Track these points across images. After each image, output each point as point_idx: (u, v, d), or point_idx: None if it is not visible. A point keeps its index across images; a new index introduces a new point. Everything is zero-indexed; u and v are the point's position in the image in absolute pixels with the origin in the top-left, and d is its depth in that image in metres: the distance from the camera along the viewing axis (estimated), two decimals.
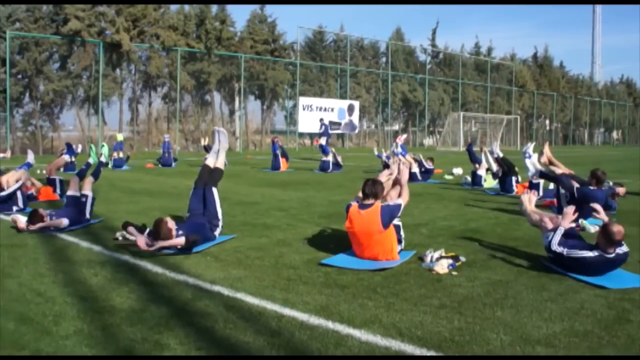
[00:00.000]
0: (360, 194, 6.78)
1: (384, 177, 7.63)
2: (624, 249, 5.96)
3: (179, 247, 6.84)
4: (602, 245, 5.93)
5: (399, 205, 6.69)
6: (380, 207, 6.48)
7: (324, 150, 21.23)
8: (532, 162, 12.29)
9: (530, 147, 13.27)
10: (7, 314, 4.67)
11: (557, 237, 6.25)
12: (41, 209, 8.52)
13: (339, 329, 4.39)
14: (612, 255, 5.90)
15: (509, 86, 57.65)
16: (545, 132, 65.11)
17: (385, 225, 6.41)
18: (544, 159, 11.60)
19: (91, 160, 10.95)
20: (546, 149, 11.75)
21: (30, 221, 8.19)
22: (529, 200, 7.52)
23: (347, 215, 6.66)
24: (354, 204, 6.66)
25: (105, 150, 11.09)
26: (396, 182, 7.48)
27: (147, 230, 7.20)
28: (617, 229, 5.89)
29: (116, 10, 32.60)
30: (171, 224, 6.91)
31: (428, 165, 17.12)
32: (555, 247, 6.18)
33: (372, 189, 6.59)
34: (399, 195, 7.20)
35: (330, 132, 26.28)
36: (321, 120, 26.79)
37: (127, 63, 34.76)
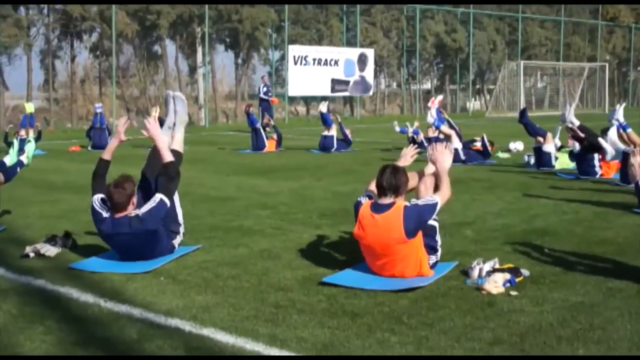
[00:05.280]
0: (374, 188, 6.71)
1: (408, 157, 7.40)
2: None
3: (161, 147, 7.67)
4: None
5: (434, 206, 6.53)
6: (403, 209, 6.35)
7: (325, 120, 21.16)
8: (611, 139, 11.83)
9: (619, 111, 13.16)
10: None
11: None
12: None
13: None
14: None
15: (594, 20, 57.38)
16: None
17: (411, 233, 6.32)
18: None
19: (8, 160, 10.90)
20: None
21: None
22: None
23: (356, 218, 6.62)
24: (366, 202, 6.61)
25: (30, 147, 11.04)
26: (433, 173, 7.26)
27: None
28: None
29: None
30: (135, 192, 7.27)
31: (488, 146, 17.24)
32: None
33: (391, 182, 6.43)
34: (435, 188, 7.00)
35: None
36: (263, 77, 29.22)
37: None
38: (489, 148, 17.37)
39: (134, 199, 7.26)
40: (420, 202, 6.57)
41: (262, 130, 21.24)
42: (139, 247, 7.14)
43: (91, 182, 7.60)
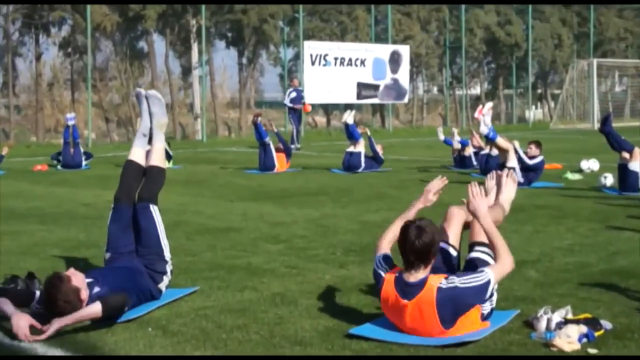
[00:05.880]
0: (387, 244, 6.67)
1: (431, 195, 7.12)
2: None
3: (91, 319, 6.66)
4: None
5: (483, 287, 6.24)
6: (435, 292, 6.10)
7: (351, 134, 21.12)
8: None
9: None
10: None
11: None
12: None
13: None
14: None
15: None
16: None
17: (449, 322, 6.13)
18: None
19: None
20: None
21: None
22: None
23: (378, 293, 6.48)
24: (388, 278, 6.40)
25: None
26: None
27: (37, 293, 7.09)
28: None
29: None
30: (78, 279, 6.68)
31: (530, 153, 16.97)
32: None
33: (417, 250, 6.10)
34: (492, 246, 6.60)
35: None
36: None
37: None
38: (528, 159, 16.93)
39: (84, 292, 6.69)
40: (461, 281, 6.19)
41: (272, 146, 21.14)
42: None
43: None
